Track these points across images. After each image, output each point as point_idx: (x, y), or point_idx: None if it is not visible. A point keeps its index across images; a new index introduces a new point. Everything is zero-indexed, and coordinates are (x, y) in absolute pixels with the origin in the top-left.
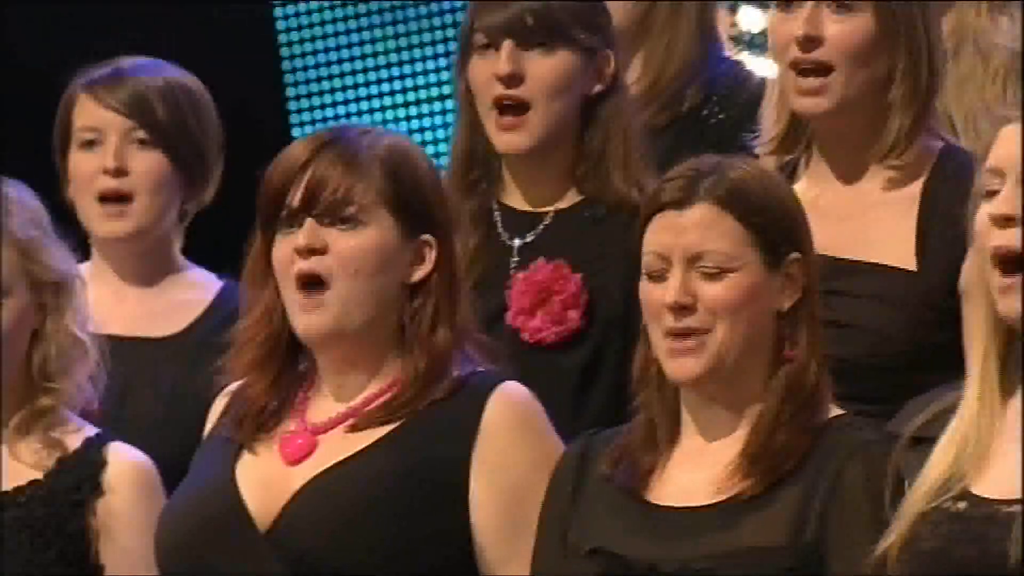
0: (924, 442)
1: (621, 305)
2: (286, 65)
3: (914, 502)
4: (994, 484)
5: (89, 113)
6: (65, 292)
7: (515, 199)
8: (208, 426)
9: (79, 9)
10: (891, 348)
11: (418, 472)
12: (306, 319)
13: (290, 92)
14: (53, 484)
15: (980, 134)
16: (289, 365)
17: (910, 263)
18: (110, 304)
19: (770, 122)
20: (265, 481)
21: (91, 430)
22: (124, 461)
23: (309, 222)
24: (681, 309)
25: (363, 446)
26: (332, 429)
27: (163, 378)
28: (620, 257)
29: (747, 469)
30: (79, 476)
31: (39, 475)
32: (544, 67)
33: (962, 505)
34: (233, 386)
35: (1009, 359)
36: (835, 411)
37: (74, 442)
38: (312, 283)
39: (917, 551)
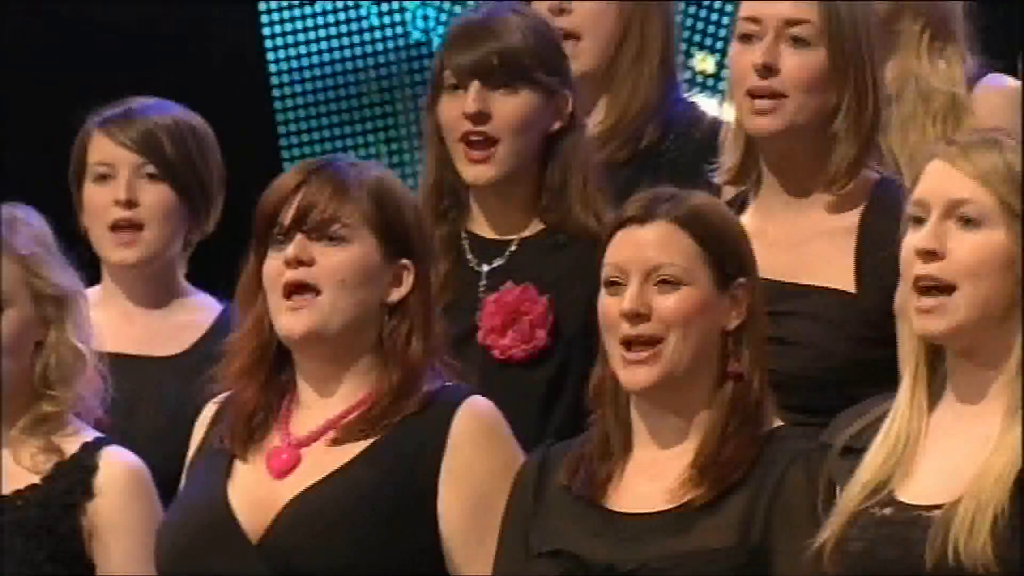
0: (854, 451)
1: (583, 324)
2: (277, 104)
3: (845, 505)
4: (918, 491)
5: (103, 149)
6: (67, 306)
7: (482, 228)
8: (198, 433)
9: (85, 64)
10: (832, 363)
11: (393, 483)
12: (289, 319)
13: (281, 129)
14: (49, 488)
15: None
16: (275, 374)
17: (849, 286)
18: (119, 325)
19: (728, 154)
20: (254, 495)
21: (90, 435)
22: (115, 465)
23: (299, 237)
24: (636, 317)
25: (344, 461)
26: (315, 442)
27: (167, 393)
28: (582, 280)
29: (698, 479)
30: (72, 480)
31: (37, 479)
32: (508, 106)
33: (888, 511)
34: (220, 397)
35: (935, 375)
36: (777, 422)
37: (72, 447)
38: (298, 291)
39: (847, 551)
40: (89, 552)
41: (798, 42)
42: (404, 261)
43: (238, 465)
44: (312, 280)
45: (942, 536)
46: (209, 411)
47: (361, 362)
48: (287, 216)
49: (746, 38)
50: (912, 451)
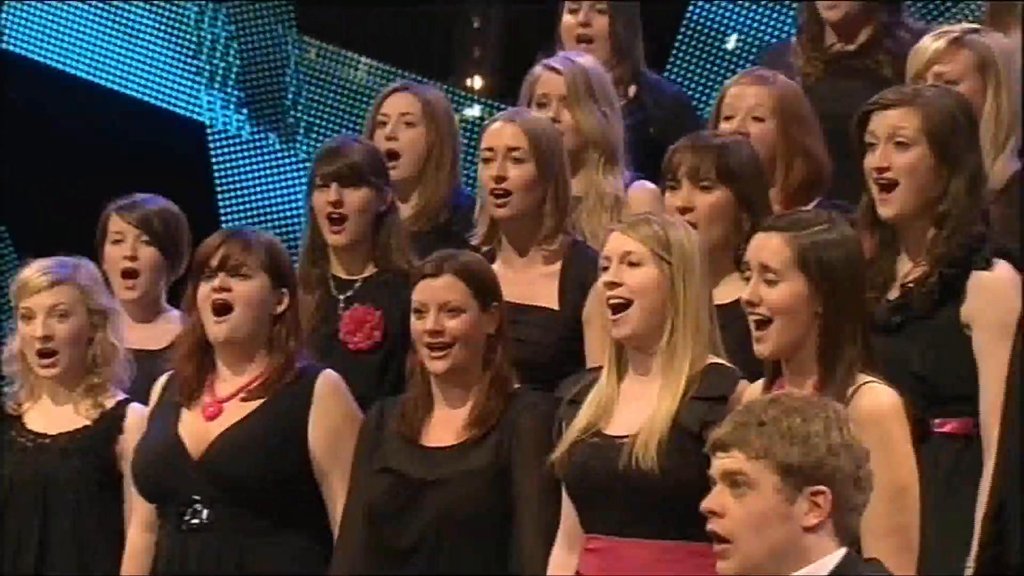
0: (575, 403)
1: (401, 330)
2: (220, 201)
3: (569, 436)
4: (615, 427)
5: (116, 225)
6: (109, 316)
7: (339, 271)
8: (155, 394)
9: (105, 175)
10: (547, 353)
11: (281, 423)
12: (215, 328)
13: (221, 209)
14: (96, 428)
15: (600, 242)
16: (204, 359)
17: (555, 305)
18: (126, 332)
19: (479, 226)
20: (195, 432)
21: (122, 396)
22: (135, 414)
23: (221, 274)
24: (435, 333)
25: (250, 411)
26: (231, 399)
27: (157, 372)
28: (399, 303)
29: (472, 425)
30: (110, 423)
31: (89, 423)
32: (355, 197)
33: (596, 439)
34: (165, 375)
35: (620, 358)
36: (516, 386)
37: (110, 403)
38: (221, 311)
39: (570, 463)
40: (121, 468)
41: (516, 160)
42: (283, 289)
43: (184, 413)
44: (230, 302)
45: (628, 453)
46: (162, 380)
47: (258, 352)
48: (214, 262)
49: (486, 160)
50: (610, 404)
